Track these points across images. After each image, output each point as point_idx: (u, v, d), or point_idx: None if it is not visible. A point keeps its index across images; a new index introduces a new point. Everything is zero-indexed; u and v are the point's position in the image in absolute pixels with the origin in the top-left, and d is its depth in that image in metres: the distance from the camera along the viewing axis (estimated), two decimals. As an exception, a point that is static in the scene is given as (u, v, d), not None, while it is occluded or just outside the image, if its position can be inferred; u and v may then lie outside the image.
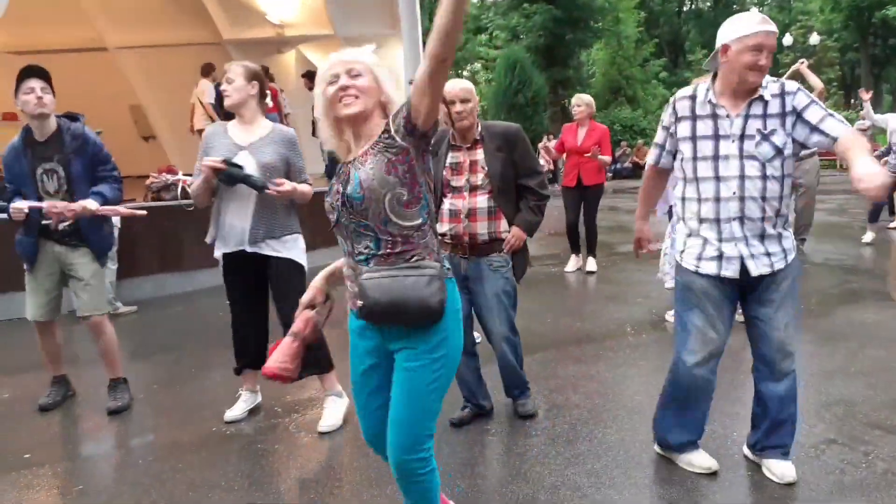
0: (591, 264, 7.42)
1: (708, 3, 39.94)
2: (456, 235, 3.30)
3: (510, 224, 3.34)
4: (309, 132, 11.31)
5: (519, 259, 3.44)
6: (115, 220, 5.56)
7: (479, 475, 3.01)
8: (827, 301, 5.84)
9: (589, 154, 6.83)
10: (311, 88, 10.61)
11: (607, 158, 7.04)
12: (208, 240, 3.57)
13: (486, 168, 3.29)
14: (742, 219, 2.66)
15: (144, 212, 4.01)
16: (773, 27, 2.59)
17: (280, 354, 2.21)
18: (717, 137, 2.67)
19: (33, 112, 3.64)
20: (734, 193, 2.64)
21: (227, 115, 3.63)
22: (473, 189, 3.29)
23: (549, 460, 3.10)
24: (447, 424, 3.46)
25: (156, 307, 6.27)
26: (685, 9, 40.53)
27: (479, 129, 3.34)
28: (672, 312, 5.38)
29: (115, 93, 12.12)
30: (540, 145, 17.53)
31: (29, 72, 3.68)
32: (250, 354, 3.65)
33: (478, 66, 33.70)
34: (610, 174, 19.84)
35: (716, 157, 2.67)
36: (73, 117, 3.82)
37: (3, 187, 3.93)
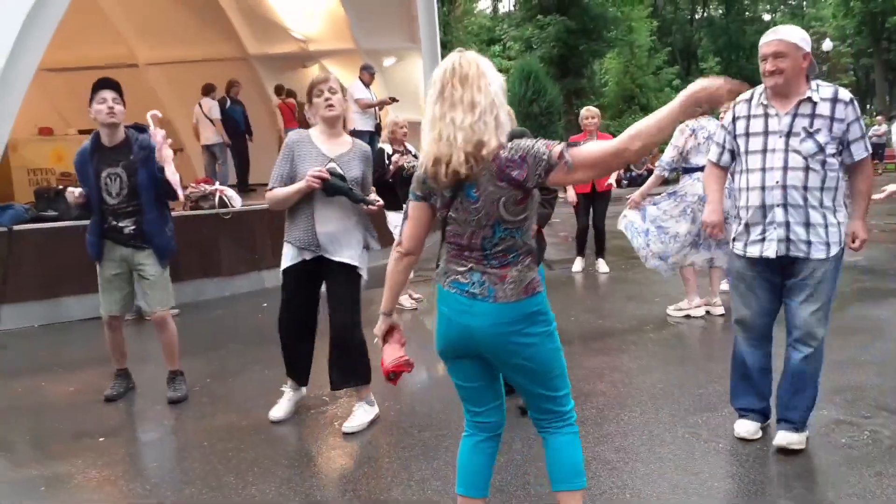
0: (603, 265, 7.79)
1: (720, 11, 40.14)
2: None
3: None
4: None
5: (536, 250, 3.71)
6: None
7: (516, 451, 3.29)
8: (841, 298, 6.06)
9: None
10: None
11: None
12: (289, 240, 3.59)
13: None
14: (785, 205, 3.01)
15: (182, 195, 4.21)
16: (773, 36, 2.99)
17: (391, 352, 2.37)
18: (766, 133, 3.05)
19: (105, 121, 3.93)
20: (777, 182, 3.00)
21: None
22: None
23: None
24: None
25: (197, 310, 6.61)
26: (697, 17, 40.76)
27: None
28: (672, 307, 5.68)
29: (145, 107, 12.48)
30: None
31: (102, 83, 3.98)
32: (301, 367, 3.84)
33: (492, 76, 34.05)
34: (626, 181, 20.10)
35: (764, 151, 3.05)
36: (140, 128, 4.12)
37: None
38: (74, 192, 4.02)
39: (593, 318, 5.82)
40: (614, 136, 7.74)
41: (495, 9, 31.89)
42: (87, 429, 3.90)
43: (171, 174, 3.97)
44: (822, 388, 3.86)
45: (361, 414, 3.72)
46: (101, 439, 3.75)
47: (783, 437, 3.12)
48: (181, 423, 3.99)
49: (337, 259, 3.54)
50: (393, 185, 6.03)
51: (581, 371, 4.39)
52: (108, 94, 3.93)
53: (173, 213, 5.94)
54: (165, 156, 3.94)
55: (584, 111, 7.46)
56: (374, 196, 3.59)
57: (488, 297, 2.13)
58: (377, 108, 9.96)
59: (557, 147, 2.06)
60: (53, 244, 6.46)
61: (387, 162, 5.98)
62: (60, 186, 7.85)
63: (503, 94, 2.14)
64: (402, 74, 12.77)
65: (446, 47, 23.24)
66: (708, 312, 5.65)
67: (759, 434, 3.30)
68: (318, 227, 3.50)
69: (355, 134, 9.79)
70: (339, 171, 3.45)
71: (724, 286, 5.96)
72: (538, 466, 3.11)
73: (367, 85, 9.88)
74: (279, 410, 3.86)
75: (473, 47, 18.80)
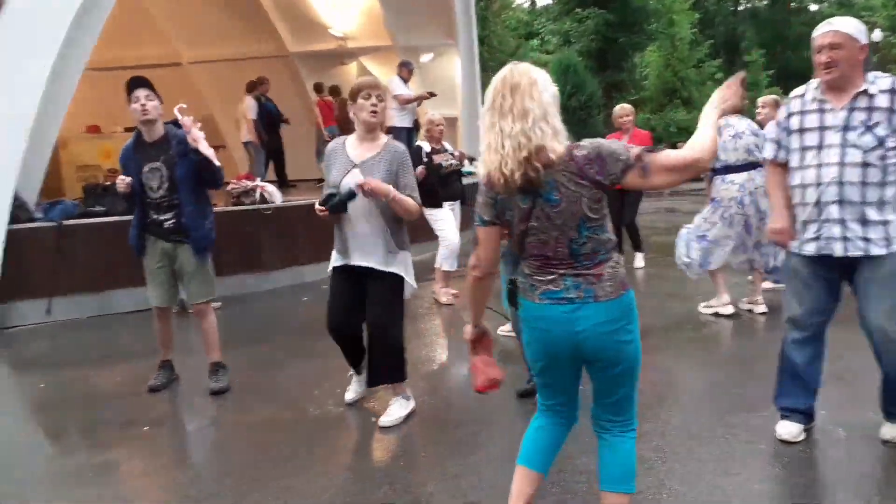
0: (640, 260, 7.73)
1: (764, 2, 39.17)
2: None
3: None
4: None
5: None
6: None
7: (580, 452, 3.28)
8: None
9: None
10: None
11: None
12: (339, 251, 3.70)
13: None
14: (841, 202, 2.93)
15: (220, 174, 4.25)
16: (828, 27, 2.93)
17: (485, 368, 2.41)
18: (821, 129, 2.97)
19: (140, 119, 4.08)
20: (833, 178, 2.92)
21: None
22: None
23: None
24: (518, 399, 3.75)
25: (238, 303, 6.74)
26: (740, 8, 39.84)
27: None
28: (703, 304, 5.60)
29: (189, 105, 12.79)
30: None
31: (134, 83, 4.08)
32: (358, 362, 3.94)
33: (529, 71, 33.84)
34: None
35: (820, 147, 2.97)
36: (179, 124, 4.20)
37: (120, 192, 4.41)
38: (126, 180, 4.12)
39: (647, 319, 5.75)
40: (654, 130, 7.80)
41: (533, 3, 31.70)
42: (132, 418, 4.02)
43: (205, 149, 4.03)
44: (863, 388, 3.78)
45: (397, 409, 3.76)
46: (145, 429, 3.86)
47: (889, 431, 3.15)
48: (222, 414, 4.08)
49: (364, 265, 3.59)
50: (431, 184, 6.07)
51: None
52: (140, 93, 4.03)
53: (216, 209, 6.10)
54: (196, 135, 4.01)
55: (617, 109, 7.38)
56: (361, 180, 3.44)
57: (588, 298, 2.13)
58: (416, 103, 10.00)
59: (636, 149, 2.12)
60: (101, 238, 6.65)
61: (424, 160, 6.02)
62: (108, 182, 8.08)
63: (557, 103, 2.17)
64: (439, 70, 12.80)
65: (483, 43, 23.26)
66: (751, 311, 5.55)
67: (802, 436, 3.23)
68: (348, 237, 3.61)
69: (393, 130, 9.89)
70: (328, 191, 3.52)
71: (767, 284, 5.86)
72: (579, 462, 3.11)
73: (405, 81, 9.93)
74: (350, 393, 4.03)
75: (511, 42, 18.73)
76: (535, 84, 2.10)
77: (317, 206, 3.52)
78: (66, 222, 6.65)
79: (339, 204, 3.46)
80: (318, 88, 12.13)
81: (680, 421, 3.53)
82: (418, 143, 6.38)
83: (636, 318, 2.23)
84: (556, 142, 2.09)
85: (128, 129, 10.10)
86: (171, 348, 4.54)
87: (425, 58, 12.67)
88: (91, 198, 7.67)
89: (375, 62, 13.17)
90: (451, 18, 12.25)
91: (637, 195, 7.58)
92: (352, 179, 3.47)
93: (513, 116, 2.07)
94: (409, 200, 3.53)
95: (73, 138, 10.58)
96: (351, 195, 3.45)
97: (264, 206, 7.43)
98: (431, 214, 6.22)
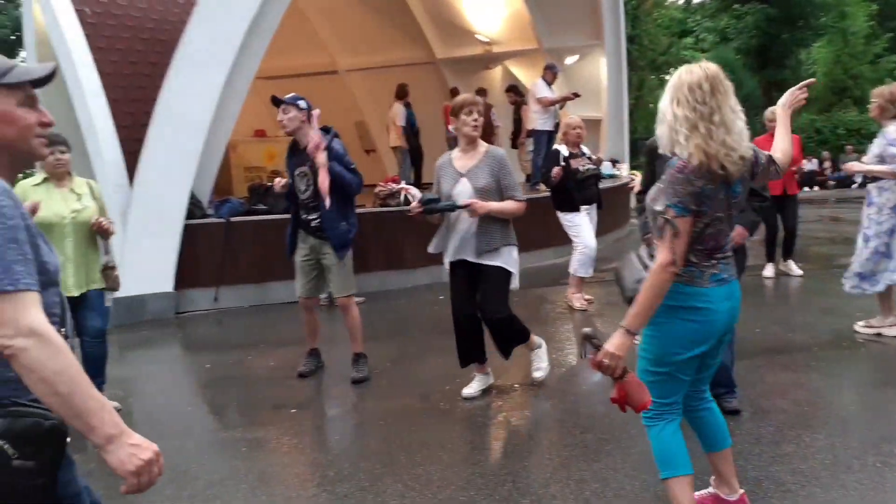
0: (795, 268, 7.29)
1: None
2: None
3: None
4: (508, 144, 11.91)
5: (739, 257, 3.55)
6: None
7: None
8: None
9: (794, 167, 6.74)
10: (513, 102, 11.19)
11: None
12: (431, 249, 4.20)
13: None
14: None
15: (327, 182, 4.37)
16: None
17: (643, 388, 2.33)
18: None
19: (283, 131, 4.53)
20: None
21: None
22: None
23: (752, 457, 3.21)
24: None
25: (382, 299, 7.09)
26: (930, -4, 35.73)
27: None
28: (860, 323, 5.12)
29: (344, 110, 13.58)
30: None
31: (274, 102, 4.49)
32: (471, 355, 4.17)
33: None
34: (833, 182, 18.27)
35: None
36: (325, 129, 4.51)
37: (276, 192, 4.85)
38: (281, 182, 4.62)
39: (782, 331, 5.42)
40: (820, 133, 7.38)
41: (688, 0, 30.34)
42: (282, 400, 4.38)
43: (322, 180, 4.29)
44: None
45: (539, 361, 4.29)
46: (292, 411, 4.21)
47: None
48: (362, 401, 4.35)
49: (460, 258, 4.03)
50: (567, 188, 6.06)
51: (762, 386, 4.15)
52: (281, 110, 4.39)
53: (363, 210, 6.47)
54: (318, 161, 4.28)
55: (768, 112, 6.99)
56: (470, 200, 3.89)
57: (733, 277, 2.45)
58: (558, 106, 9.98)
59: (766, 153, 2.49)
60: (263, 234, 7.26)
61: (561, 163, 6.01)
62: (269, 183, 8.78)
63: None
64: (584, 72, 12.64)
65: (634, 42, 22.63)
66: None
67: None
68: (448, 234, 4.08)
69: (534, 133, 9.94)
70: (429, 196, 4.07)
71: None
72: (703, 480, 3.02)
73: (549, 84, 9.93)
74: (469, 388, 4.23)
75: (663, 41, 18.09)
76: (718, 81, 2.34)
77: (412, 205, 4.01)
78: (233, 219, 7.32)
79: (439, 210, 3.96)
80: (455, 93, 12.40)
81: (825, 444, 3.31)
82: (556, 146, 6.38)
83: None
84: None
85: (289, 134, 10.90)
86: (317, 337, 4.88)
87: (570, 59, 12.57)
88: (255, 197, 8.37)
89: (520, 65, 13.25)
90: (599, 19, 12.06)
91: (796, 200, 7.23)
92: (461, 195, 3.94)
93: (732, 111, 2.30)
94: (508, 205, 3.95)
95: (242, 142, 11.58)
96: (453, 209, 3.93)
97: (408, 208, 7.73)
98: (567, 219, 6.20)
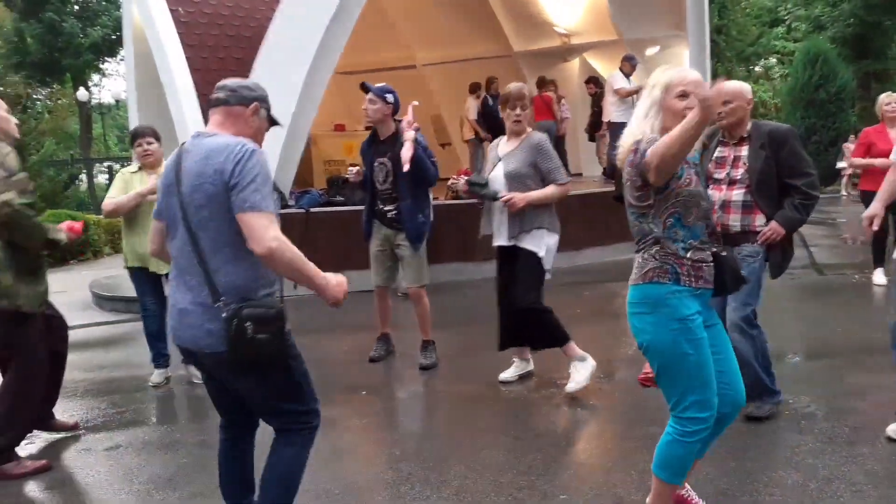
0: (879, 276, 6.57)
1: None
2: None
3: (768, 220, 3.40)
4: (585, 136, 11.78)
5: (775, 255, 3.46)
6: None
7: (749, 458, 3.16)
8: None
9: None
10: (592, 94, 11.08)
11: None
12: (481, 232, 4.30)
13: (748, 164, 3.41)
14: None
15: (410, 152, 4.43)
16: None
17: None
18: None
19: (366, 120, 4.70)
20: None
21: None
22: (732, 183, 3.45)
23: (824, 456, 3.13)
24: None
25: (453, 290, 7.20)
26: None
27: (749, 127, 3.48)
28: None
29: (421, 104, 13.76)
30: (844, 146, 15.87)
31: (362, 87, 4.62)
32: (508, 338, 4.29)
33: (772, 60, 31.12)
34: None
35: None
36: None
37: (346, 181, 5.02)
38: (357, 170, 4.78)
39: (868, 332, 5.18)
40: None
41: (781, -13, 29.03)
42: (354, 383, 4.56)
43: (406, 150, 4.37)
44: None
45: (576, 373, 4.05)
46: (363, 393, 4.38)
47: None
48: (430, 386, 4.48)
49: (498, 243, 4.15)
50: None
51: (840, 387, 4.02)
52: (368, 99, 4.53)
53: (437, 202, 6.59)
54: (406, 136, 4.41)
55: (883, 97, 6.54)
56: (501, 192, 4.02)
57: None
58: (636, 96, 9.82)
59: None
60: (340, 225, 7.50)
61: None
62: (346, 176, 9.03)
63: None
64: (665, 63, 12.27)
65: (721, 32, 21.83)
66: None
67: None
68: (489, 218, 4.19)
69: (612, 126, 9.81)
70: (477, 179, 4.22)
71: None
72: (770, 476, 2.97)
73: (627, 76, 9.79)
74: (505, 373, 4.36)
75: (752, 30, 17.41)
76: None
77: (463, 182, 4.18)
78: (312, 210, 7.59)
79: (481, 196, 4.12)
80: (541, 83, 12.34)
81: (905, 447, 3.18)
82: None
83: (659, 310, 2.32)
84: None
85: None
86: (389, 323, 5.03)
87: (651, 50, 12.29)
88: (333, 189, 8.65)
89: (599, 57, 13.06)
90: (682, 8, 11.72)
91: None
92: (495, 179, 4.08)
93: None
94: (549, 191, 4.03)
95: (322, 135, 11.92)
96: (493, 197, 4.05)
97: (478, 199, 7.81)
98: None
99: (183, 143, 2.33)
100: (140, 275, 4.60)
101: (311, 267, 2.25)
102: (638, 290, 2.36)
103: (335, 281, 2.32)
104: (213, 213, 2.20)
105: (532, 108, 4.25)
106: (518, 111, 4.06)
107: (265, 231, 2.15)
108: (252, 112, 2.39)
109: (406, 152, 4.35)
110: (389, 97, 4.51)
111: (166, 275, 4.28)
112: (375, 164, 4.63)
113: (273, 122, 2.50)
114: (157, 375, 4.79)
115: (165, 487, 3.23)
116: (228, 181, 2.16)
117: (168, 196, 2.31)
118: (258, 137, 2.42)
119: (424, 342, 4.81)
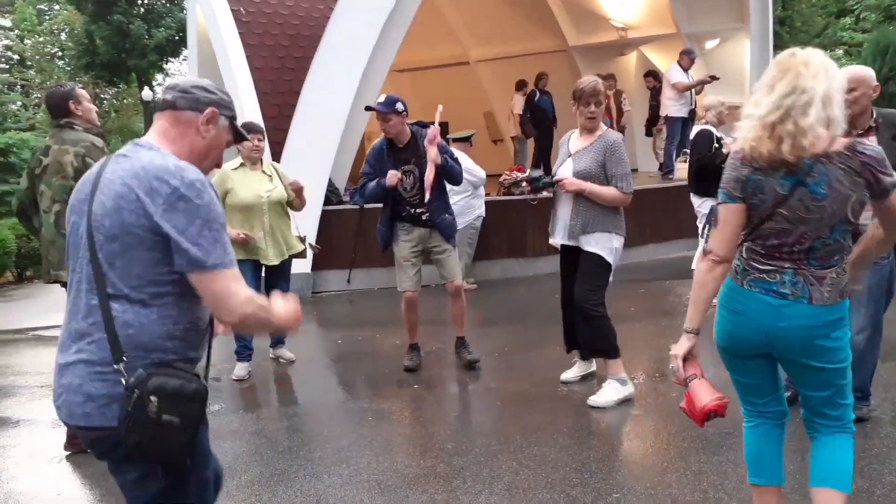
0: None
1: None
2: None
3: None
4: (643, 131, 11.57)
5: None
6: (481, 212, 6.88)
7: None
8: None
9: None
10: (651, 88, 10.87)
11: None
12: (550, 234, 4.18)
13: None
14: None
15: (432, 176, 4.36)
16: None
17: (705, 393, 2.22)
18: None
19: (386, 136, 4.46)
20: None
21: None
22: None
23: (890, 461, 3.02)
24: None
25: (503, 287, 7.21)
26: None
27: (874, 116, 3.26)
28: None
29: (473, 101, 13.75)
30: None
31: (367, 110, 4.67)
32: (574, 339, 4.19)
33: (839, 52, 29.93)
34: None
35: None
36: (424, 125, 4.53)
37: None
38: (397, 174, 4.38)
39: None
40: None
41: (849, -24, 27.86)
42: (405, 377, 4.61)
43: (429, 172, 4.30)
44: None
45: (609, 390, 3.90)
46: (415, 386, 4.42)
47: None
48: (482, 382, 4.49)
49: (561, 242, 4.07)
50: (718, 171, 5.68)
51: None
52: (382, 118, 4.37)
53: (488, 198, 6.55)
54: (430, 155, 4.30)
55: None
56: (560, 177, 3.97)
57: (802, 298, 2.08)
58: (694, 90, 9.60)
59: None
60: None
61: (716, 145, 5.62)
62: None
63: (841, 94, 2.10)
64: (725, 56, 12.01)
65: (784, 23, 21.10)
66: None
67: None
68: (555, 217, 4.10)
69: (669, 120, 9.61)
70: (534, 174, 4.28)
71: None
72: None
73: (686, 70, 9.57)
74: (567, 373, 4.29)
75: (818, 21, 16.75)
76: (809, 65, 2.04)
77: (524, 183, 4.18)
78: (366, 206, 7.68)
79: (540, 188, 4.12)
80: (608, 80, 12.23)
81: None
82: (705, 127, 5.90)
83: (848, 327, 2.14)
84: (824, 129, 1.96)
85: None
86: (417, 332, 4.80)
87: (710, 44, 12.00)
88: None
89: (657, 51, 12.80)
90: (744, 0, 11.42)
91: None
92: (563, 176, 3.94)
93: (781, 94, 2.00)
94: (607, 191, 3.86)
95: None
96: (550, 185, 4.04)
97: (531, 196, 7.76)
98: (706, 207, 5.85)
99: (112, 154, 1.83)
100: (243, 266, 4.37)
101: (272, 312, 1.84)
102: (840, 308, 2.12)
103: (286, 317, 1.89)
104: (124, 249, 1.68)
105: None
106: (592, 108, 3.89)
107: (235, 297, 1.69)
108: (206, 120, 1.83)
109: (429, 175, 4.32)
110: (399, 106, 4.37)
111: (269, 266, 4.56)
112: (402, 170, 4.44)
113: (239, 136, 1.95)
114: (239, 369, 4.73)
115: (223, 475, 3.33)
116: (159, 224, 1.65)
117: (79, 215, 1.76)
118: (213, 153, 1.89)
119: (458, 339, 4.76)
